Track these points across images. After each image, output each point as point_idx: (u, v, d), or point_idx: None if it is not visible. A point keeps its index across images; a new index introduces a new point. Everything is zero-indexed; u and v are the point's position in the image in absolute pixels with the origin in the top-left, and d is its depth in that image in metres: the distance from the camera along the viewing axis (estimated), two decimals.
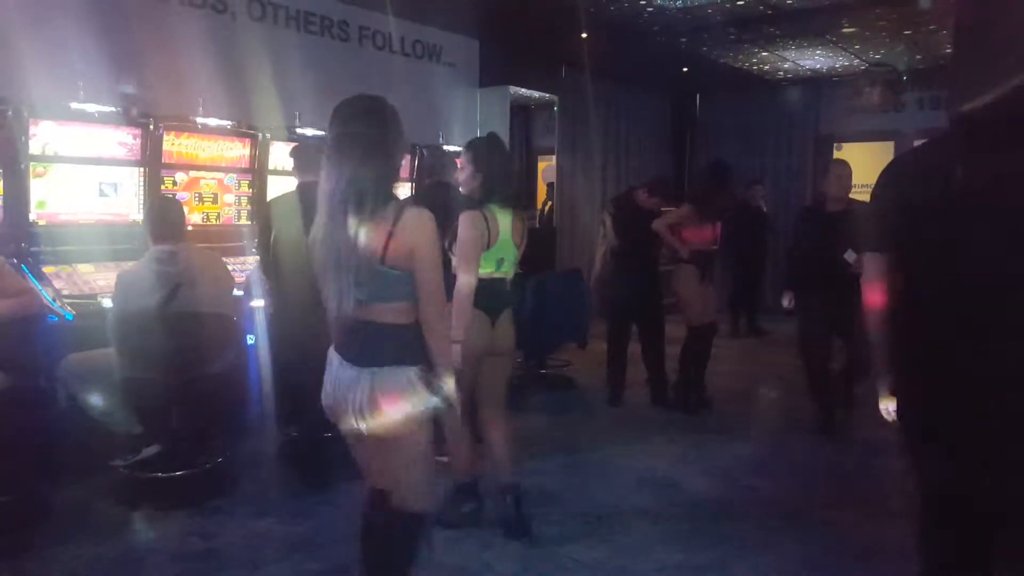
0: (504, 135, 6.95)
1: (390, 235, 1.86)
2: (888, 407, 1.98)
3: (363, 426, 1.92)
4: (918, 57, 7.85)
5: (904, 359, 1.88)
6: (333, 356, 2.03)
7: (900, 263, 1.86)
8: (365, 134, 1.89)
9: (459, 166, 3.04)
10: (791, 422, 4.75)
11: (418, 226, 1.89)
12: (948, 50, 7.09)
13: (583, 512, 3.34)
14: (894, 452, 2.13)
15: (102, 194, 4.06)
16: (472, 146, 3.03)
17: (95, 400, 3.37)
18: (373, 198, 1.86)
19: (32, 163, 3.74)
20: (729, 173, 5.15)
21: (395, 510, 2.03)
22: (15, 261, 3.55)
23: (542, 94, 7.72)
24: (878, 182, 1.94)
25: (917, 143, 2.21)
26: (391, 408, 1.89)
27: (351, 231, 1.86)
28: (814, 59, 8.11)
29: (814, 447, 4.28)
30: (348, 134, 1.89)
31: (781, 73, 8.80)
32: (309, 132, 4.94)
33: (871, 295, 1.94)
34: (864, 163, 9.13)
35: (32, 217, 3.78)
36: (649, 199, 5.03)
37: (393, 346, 1.92)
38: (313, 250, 1.97)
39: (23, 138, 3.66)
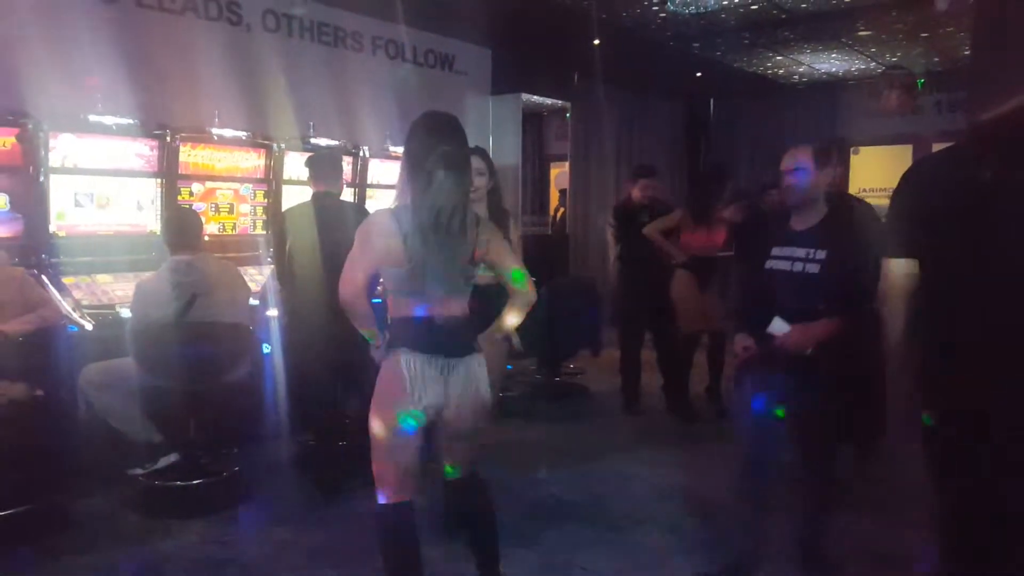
0: (516, 142, 6.98)
1: (477, 235, 2.16)
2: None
3: (463, 411, 2.17)
4: (936, 59, 7.78)
5: (931, 364, 1.85)
6: (414, 358, 2.11)
7: (924, 268, 1.84)
8: (461, 151, 2.15)
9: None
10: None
11: (491, 224, 2.31)
12: (967, 52, 7.03)
13: (598, 521, 3.32)
14: (912, 460, 2.11)
15: (120, 205, 4.11)
16: (486, 153, 3.12)
17: (114, 409, 3.41)
18: (469, 208, 2.17)
19: (52, 175, 3.80)
20: (723, 176, 5.12)
21: (479, 481, 2.38)
22: (36, 272, 3.60)
23: (554, 101, 7.73)
24: (899, 188, 1.92)
25: (936, 146, 2.20)
26: (484, 392, 2.21)
27: (460, 238, 2.11)
28: (829, 62, 8.06)
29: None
30: (451, 152, 2.11)
31: (796, 77, 8.76)
32: (323, 142, 4.98)
33: (892, 302, 1.92)
34: (883, 167, 9.03)
35: (52, 228, 3.83)
36: (640, 187, 5.02)
37: (473, 336, 2.24)
38: (410, 256, 2.09)
39: (43, 151, 3.72)
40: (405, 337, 2.14)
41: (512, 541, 3.04)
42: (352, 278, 2.13)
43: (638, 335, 5.13)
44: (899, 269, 1.90)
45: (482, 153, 3.04)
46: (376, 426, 2.14)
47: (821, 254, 2.54)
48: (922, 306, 1.88)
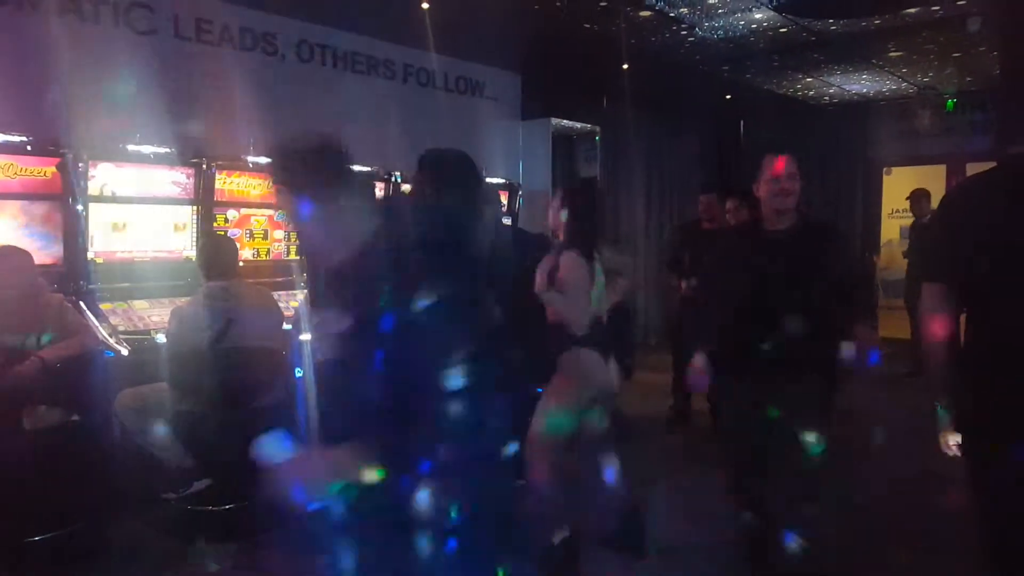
0: (547, 166, 6.99)
1: None
2: (950, 441, 1.89)
3: None
4: (968, 79, 7.68)
5: (979, 390, 1.79)
6: None
7: (971, 293, 1.79)
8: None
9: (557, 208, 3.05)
10: (847, 456, 4.57)
11: None
12: (999, 71, 6.93)
13: None
14: (954, 489, 2.03)
15: (157, 232, 4.18)
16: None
17: (148, 433, 3.43)
18: None
19: (90, 203, 3.87)
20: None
21: None
22: (74, 298, 3.66)
23: (584, 124, 7.75)
24: (942, 212, 1.88)
25: (971, 167, 2.16)
26: None
27: None
28: (860, 83, 7.99)
29: (873, 483, 4.11)
30: (484, 182, 2.17)
31: (827, 98, 8.70)
32: (355, 168, 5.03)
33: (937, 327, 1.86)
34: (916, 188, 8.85)
35: (90, 255, 3.90)
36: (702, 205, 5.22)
37: None
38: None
39: (82, 180, 3.80)
40: None
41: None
42: None
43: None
44: (940, 294, 1.84)
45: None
46: None
47: None
48: (975, 332, 1.82)
